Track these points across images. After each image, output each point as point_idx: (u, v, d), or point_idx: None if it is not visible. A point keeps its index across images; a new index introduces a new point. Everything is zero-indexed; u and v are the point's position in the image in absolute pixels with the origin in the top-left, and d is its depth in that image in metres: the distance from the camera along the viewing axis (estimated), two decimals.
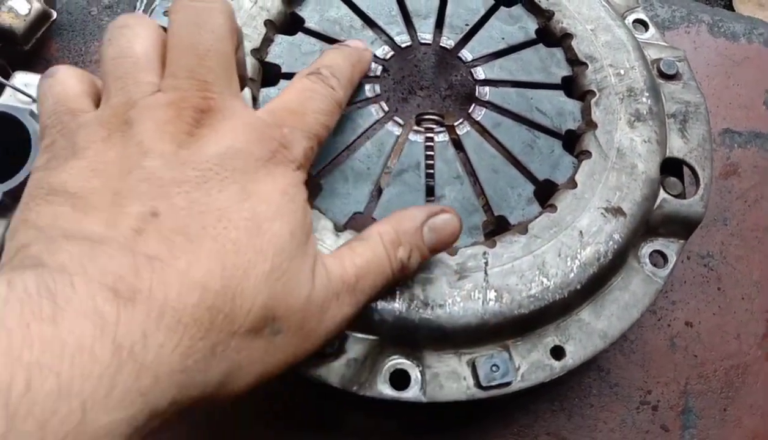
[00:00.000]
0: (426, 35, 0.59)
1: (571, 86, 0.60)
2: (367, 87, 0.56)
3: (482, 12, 0.61)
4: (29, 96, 0.56)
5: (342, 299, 0.37)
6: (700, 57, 0.77)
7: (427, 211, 0.43)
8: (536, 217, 0.53)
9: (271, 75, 0.57)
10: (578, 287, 0.52)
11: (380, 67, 0.57)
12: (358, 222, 0.52)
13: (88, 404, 0.25)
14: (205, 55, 0.36)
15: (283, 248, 0.34)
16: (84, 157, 0.33)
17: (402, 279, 0.43)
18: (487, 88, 0.57)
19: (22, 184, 0.52)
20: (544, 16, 0.61)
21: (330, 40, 0.58)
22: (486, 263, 0.51)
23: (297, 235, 0.35)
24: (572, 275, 0.52)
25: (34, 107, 0.55)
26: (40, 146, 0.36)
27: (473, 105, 0.56)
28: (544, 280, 0.51)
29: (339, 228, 0.51)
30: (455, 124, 0.55)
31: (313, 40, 0.58)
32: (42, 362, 0.25)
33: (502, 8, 0.61)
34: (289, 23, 0.59)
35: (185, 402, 0.30)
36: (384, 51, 0.58)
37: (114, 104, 0.35)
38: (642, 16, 0.66)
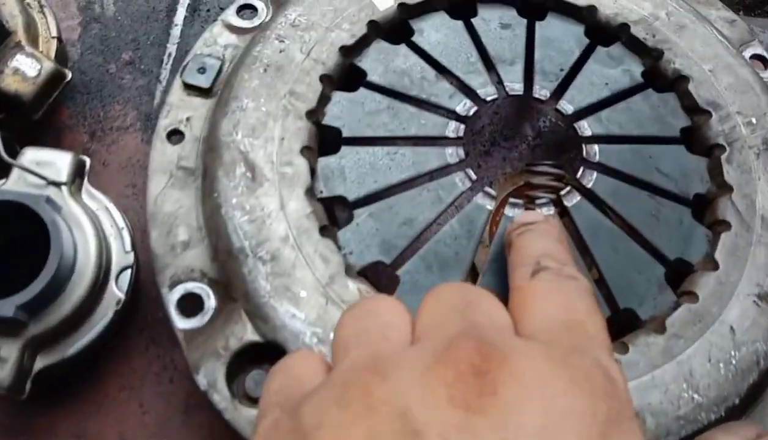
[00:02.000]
0: (514, 85, 0.48)
1: (693, 139, 0.49)
2: (448, 151, 0.46)
3: (577, 54, 0.51)
4: (42, 178, 0.46)
5: None
6: None
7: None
8: (673, 310, 0.42)
9: (330, 140, 0.47)
10: (736, 402, 0.40)
11: (461, 127, 0.47)
12: None
13: None
14: (475, 299, 0.29)
15: None
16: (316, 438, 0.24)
17: None
18: (596, 147, 0.47)
19: (40, 296, 0.42)
20: (651, 55, 0.51)
21: (399, 96, 0.48)
22: None
23: None
24: (729, 386, 0.40)
25: (50, 192, 0.45)
26: (257, 427, 0.28)
27: (582, 168, 0.46)
28: (695, 396, 0.40)
29: None
30: (562, 193, 0.45)
31: (378, 96, 0.48)
32: None
33: (600, 48, 0.52)
34: (349, 77, 0.49)
35: None
36: (465, 106, 0.47)
37: (353, 359, 0.27)
38: (761, 51, 0.55)
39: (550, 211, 0.44)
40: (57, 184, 0.47)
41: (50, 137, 0.54)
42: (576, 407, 0.24)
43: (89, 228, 0.46)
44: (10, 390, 0.42)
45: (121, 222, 0.49)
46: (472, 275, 0.44)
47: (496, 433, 0.22)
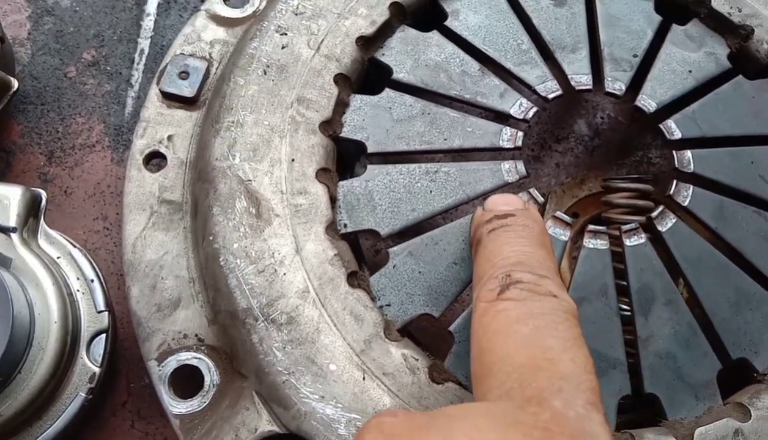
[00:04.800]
0: (581, 77, 0.39)
1: None
2: (505, 166, 0.36)
3: (650, 34, 0.41)
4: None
5: None
6: None
7: None
8: None
9: (352, 158, 0.37)
10: None
11: (519, 134, 0.37)
12: None
13: None
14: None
15: None
16: None
17: None
18: (688, 153, 0.37)
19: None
20: (738, 34, 0.42)
21: (435, 97, 0.38)
22: None
23: None
24: None
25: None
26: None
27: (675, 182, 0.36)
28: None
29: None
30: (653, 215, 0.35)
31: (408, 98, 0.38)
32: None
33: (675, 27, 0.42)
34: (370, 76, 0.39)
35: None
36: (521, 107, 0.38)
37: None
38: None
39: (641, 239, 0.35)
40: (4, 230, 0.37)
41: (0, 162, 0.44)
42: None
43: (49, 284, 0.36)
44: None
45: (90, 273, 0.39)
46: None
47: None
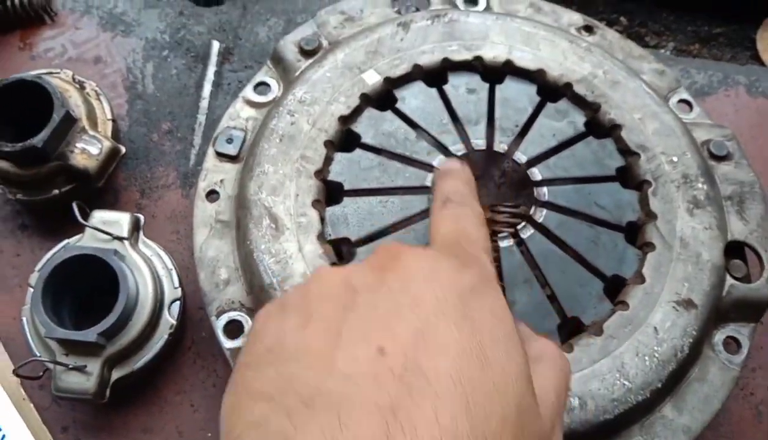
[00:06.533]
0: (479, 141, 0.60)
1: (626, 176, 0.61)
2: (428, 197, 0.58)
3: (530, 110, 0.62)
4: (109, 234, 0.58)
5: (556, 426, 0.35)
6: (742, 119, 0.78)
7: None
8: (609, 316, 0.54)
9: (335, 193, 0.59)
10: (659, 385, 0.52)
11: None
12: None
13: None
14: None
15: (511, 380, 0.31)
16: (290, 310, 0.35)
17: None
18: (545, 189, 0.58)
19: (114, 325, 0.54)
20: (591, 108, 0.63)
21: (387, 154, 0.60)
22: None
23: (520, 364, 0.32)
24: (652, 374, 0.52)
25: (116, 245, 0.58)
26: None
27: (533, 207, 0.58)
28: (626, 382, 0.51)
29: None
30: (518, 227, 0.57)
31: (370, 155, 0.60)
32: None
33: (549, 104, 0.63)
34: (347, 140, 0.61)
35: None
36: (440, 161, 0.59)
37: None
38: (685, 96, 0.67)
39: (510, 242, 0.56)
40: (120, 239, 0.59)
41: (110, 196, 0.67)
42: (450, 266, 0.35)
43: (146, 271, 0.59)
44: (94, 396, 0.55)
45: (170, 264, 0.61)
46: None
47: (398, 278, 0.34)
